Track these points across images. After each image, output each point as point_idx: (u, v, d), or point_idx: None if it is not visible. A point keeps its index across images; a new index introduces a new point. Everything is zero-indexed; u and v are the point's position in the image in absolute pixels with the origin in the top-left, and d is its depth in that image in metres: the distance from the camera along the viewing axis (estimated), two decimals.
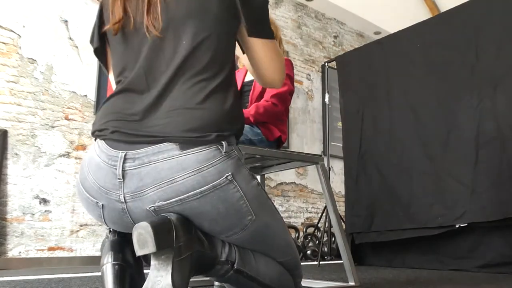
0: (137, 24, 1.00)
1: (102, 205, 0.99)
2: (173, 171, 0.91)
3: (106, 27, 1.05)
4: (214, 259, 1.00)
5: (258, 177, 2.24)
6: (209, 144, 0.93)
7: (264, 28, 1.08)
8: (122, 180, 0.94)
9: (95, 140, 1.03)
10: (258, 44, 1.08)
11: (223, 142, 0.95)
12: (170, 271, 0.88)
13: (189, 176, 0.91)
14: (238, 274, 1.03)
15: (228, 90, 1.01)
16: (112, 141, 0.97)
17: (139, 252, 0.88)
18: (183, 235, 0.92)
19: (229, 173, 0.94)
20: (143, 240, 0.86)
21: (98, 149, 1.00)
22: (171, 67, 0.97)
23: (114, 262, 0.98)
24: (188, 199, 0.93)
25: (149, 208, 0.94)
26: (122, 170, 0.94)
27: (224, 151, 0.95)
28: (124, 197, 0.95)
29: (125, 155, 0.94)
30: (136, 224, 0.89)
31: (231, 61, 1.05)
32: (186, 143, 0.92)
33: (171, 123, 0.93)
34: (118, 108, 1.00)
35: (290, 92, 1.89)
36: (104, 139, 0.98)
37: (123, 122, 0.97)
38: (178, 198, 0.92)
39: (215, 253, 1.00)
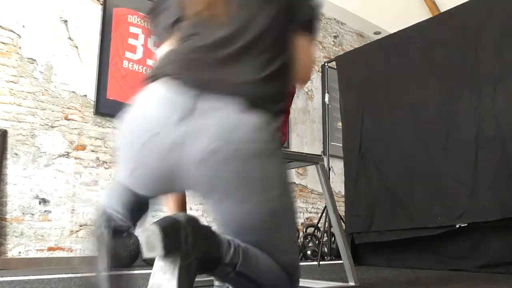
0: None
1: (149, 134, 0.98)
2: (238, 122, 0.95)
3: None
4: (219, 260, 0.98)
5: None
6: (268, 112, 0.99)
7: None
8: (187, 114, 0.96)
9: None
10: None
11: (275, 115, 1.02)
12: (177, 275, 0.87)
13: (250, 132, 0.96)
14: (239, 277, 1.02)
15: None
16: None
17: (146, 254, 0.87)
18: (191, 235, 0.91)
19: (275, 145, 1.01)
20: (151, 243, 0.86)
21: (166, 87, 1.00)
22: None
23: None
24: (242, 152, 0.95)
25: (206, 146, 0.94)
26: (192, 106, 0.96)
27: (276, 126, 1.02)
28: (184, 131, 0.95)
29: (196, 95, 0.97)
30: (144, 227, 0.90)
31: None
32: (253, 106, 0.97)
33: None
34: None
35: (291, 93, 1.89)
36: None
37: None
38: (235, 147, 0.95)
39: (219, 254, 0.98)
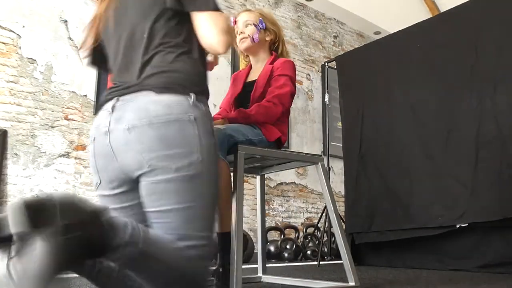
0: None
1: (94, 138, 1.21)
2: (148, 103, 1.12)
3: None
4: (114, 238, 0.93)
5: (258, 177, 2.24)
6: (179, 93, 1.14)
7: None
8: (111, 112, 1.16)
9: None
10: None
11: (191, 94, 1.14)
12: (48, 252, 0.81)
13: (161, 107, 1.11)
14: (144, 257, 0.99)
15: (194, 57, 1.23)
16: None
17: (12, 229, 0.82)
18: (68, 213, 0.86)
19: (193, 115, 1.12)
20: (15, 217, 0.81)
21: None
22: None
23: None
24: (157, 122, 1.10)
25: (125, 126, 1.12)
26: (112, 106, 1.16)
27: (191, 101, 1.14)
28: (109, 121, 1.15)
29: (116, 99, 1.17)
30: (10, 204, 0.85)
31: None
32: (163, 91, 1.14)
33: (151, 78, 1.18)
34: None
35: (292, 94, 1.89)
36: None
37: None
38: (148, 120, 1.10)
39: (116, 232, 0.94)
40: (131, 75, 1.20)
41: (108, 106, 1.18)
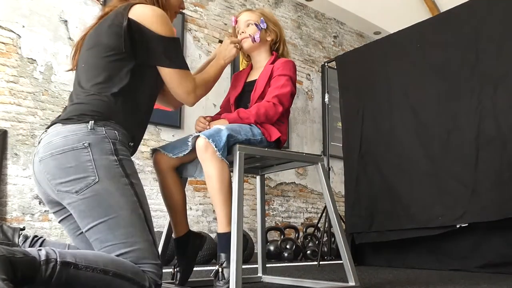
0: None
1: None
2: (52, 136, 1.31)
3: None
4: (33, 262, 1.03)
5: (258, 177, 2.24)
6: (78, 122, 1.31)
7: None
8: (38, 143, 1.37)
9: None
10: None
11: (90, 121, 1.31)
12: None
13: (59, 139, 1.29)
14: (67, 268, 1.07)
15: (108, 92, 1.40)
16: None
17: None
18: None
19: (87, 142, 1.28)
20: None
21: None
22: None
23: None
24: (56, 153, 1.28)
25: (39, 158, 1.31)
26: (40, 138, 1.37)
27: (89, 127, 1.30)
28: (35, 153, 1.36)
29: (45, 130, 1.38)
30: None
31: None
32: (67, 122, 1.33)
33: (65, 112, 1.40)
34: None
35: (292, 94, 1.88)
36: None
37: None
38: (50, 152, 1.28)
39: (30, 256, 1.03)
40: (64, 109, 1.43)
41: (39, 137, 1.40)
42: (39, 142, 1.36)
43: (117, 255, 1.23)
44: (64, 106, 1.50)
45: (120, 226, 1.24)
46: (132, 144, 1.45)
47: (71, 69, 1.56)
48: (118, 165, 1.30)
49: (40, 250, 1.08)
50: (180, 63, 1.49)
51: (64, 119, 1.34)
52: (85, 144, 1.28)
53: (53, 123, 1.37)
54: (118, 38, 1.39)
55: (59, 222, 1.45)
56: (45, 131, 1.37)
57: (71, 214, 1.34)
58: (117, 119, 1.37)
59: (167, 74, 1.48)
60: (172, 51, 1.47)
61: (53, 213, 1.44)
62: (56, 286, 1.07)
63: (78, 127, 1.30)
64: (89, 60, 1.44)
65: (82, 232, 1.35)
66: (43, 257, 1.05)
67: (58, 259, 1.07)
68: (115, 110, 1.38)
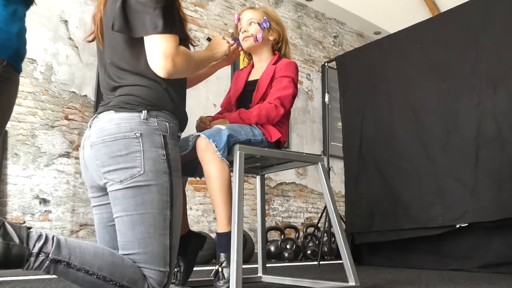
0: None
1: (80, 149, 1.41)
2: (105, 122, 1.30)
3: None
4: (24, 251, 1.05)
5: (258, 177, 2.24)
6: (132, 110, 1.30)
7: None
8: (89, 128, 1.37)
9: None
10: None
11: (143, 111, 1.30)
12: None
13: (112, 126, 1.29)
14: (56, 264, 1.10)
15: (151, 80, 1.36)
16: None
17: None
18: None
19: (139, 132, 1.28)
20: None
21: None
22: None
23: None
24: (108, 140, 1.28)
25: (90, 143, 1.31)
26: (90, 123, 1.37)
27: (142, 118, 1.30)
28: (85, 137, 1.37)
29: (96, 115, 1.37)
30: None
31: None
32: (119, 110, 1.31)
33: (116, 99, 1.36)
34: None
35: (294, 96, 1.88)
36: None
37: None
38: (102, 139, 1.29)
39: (25, 244, 1.06)
40: (108, 94, 1.38)
41: (90, 121, 1.38)
42: (90, 127, 1.35)
43: (128, 254, 1.23)
44: (96, 92, 1.43)
45: (142, 224, 1.24)
46: (180, 134, 1.45)
47: (93, 40, 1.46)
48: (164, 160, 1.30)
49: (40, 240, 1.09)
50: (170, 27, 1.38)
51: (117, 106, 1.31)
52: (137, 134, 1.28)
53: (104, 109, 1.34)
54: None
55: (93, 207, 1.44)
56: (97, 116, 1.35)
57: (109, 203, 1.33)
58: (168, 108, 1.36)
59: (148, 42, 1.34)
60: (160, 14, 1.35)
61: (92, 198, 1.43)
62: (47, 274, 1.11)
63: (131, 115, 1.29)
64: (121, 42, 1.35)
65: (111, 225, 1.37)
66: (36, 249, 1.07)
67: (50, 255, 1.08)
68: (165, 99, 1.36)
